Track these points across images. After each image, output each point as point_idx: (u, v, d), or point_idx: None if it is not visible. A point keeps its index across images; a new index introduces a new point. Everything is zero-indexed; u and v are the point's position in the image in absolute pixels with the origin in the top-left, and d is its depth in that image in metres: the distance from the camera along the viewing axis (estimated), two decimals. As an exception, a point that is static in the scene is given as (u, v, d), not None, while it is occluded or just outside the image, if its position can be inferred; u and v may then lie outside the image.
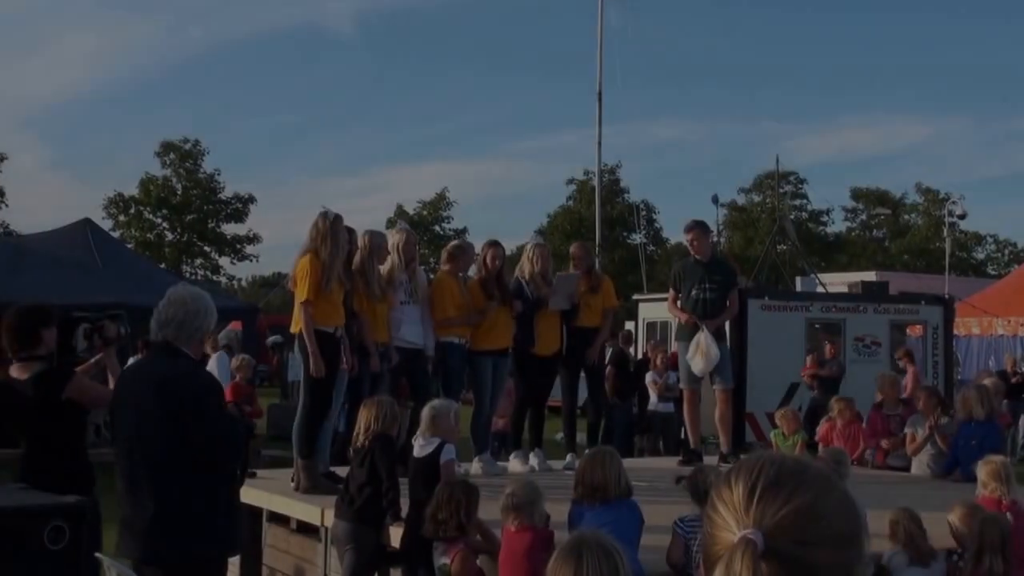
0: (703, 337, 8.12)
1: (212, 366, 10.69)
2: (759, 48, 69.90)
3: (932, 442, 8.24)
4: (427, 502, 4.95)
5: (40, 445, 4.64)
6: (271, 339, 23.88)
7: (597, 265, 8.83)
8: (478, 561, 4.95)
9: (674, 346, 14.63)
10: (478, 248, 8.45)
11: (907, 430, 8.51)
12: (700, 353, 8.13)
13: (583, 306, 8.20)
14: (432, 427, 5.52)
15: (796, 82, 74.08)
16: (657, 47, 65.44)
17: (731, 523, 1.31)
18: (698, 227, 8.47)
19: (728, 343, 8.82)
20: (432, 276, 8.39)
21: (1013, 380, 15.23)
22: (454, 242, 8.90)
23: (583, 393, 8.71)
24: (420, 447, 5.51)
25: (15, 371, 4.69)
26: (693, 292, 8.29)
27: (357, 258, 7.19)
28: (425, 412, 5.62)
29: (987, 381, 8.87)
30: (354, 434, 5.67)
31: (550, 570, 2.38)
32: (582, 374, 8.49)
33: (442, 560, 4.83)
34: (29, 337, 4.67)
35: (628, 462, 8.74)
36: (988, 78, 74.72)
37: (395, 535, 5.48)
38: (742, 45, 69.68)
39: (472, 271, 8.15)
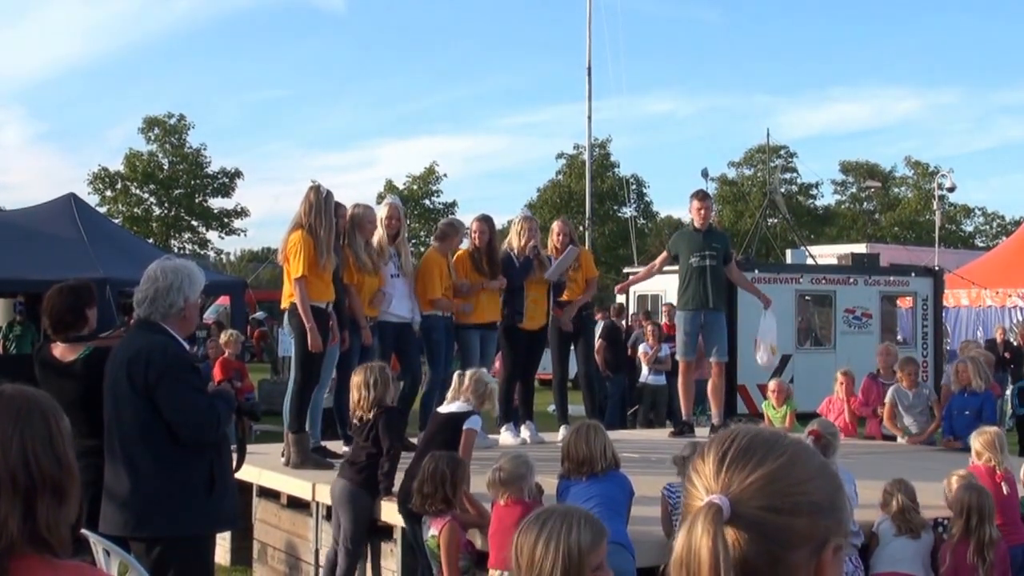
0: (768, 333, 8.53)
1: None
2: (750, 22, 69.60)
3: (917, 411, 8.22)
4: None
5: (90, 428, 4.56)
6: (256, 314, 23.86)
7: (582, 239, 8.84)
8: (468, 535, 4.92)
9: (664, 318, 14.68)
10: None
11: (887, 400, 8.49)
12: (766, 348, 8.52)
13: (568, 281, 8.19)
14: (472, 393, 5.50)
15: (787, 56, 73.97)
16: (647, 21, 65.06)
17: (702, 491, 1.28)
18: (710, 197, 8.74)
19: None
20: (422, 250, 8.33)
21: (1003, 352, 15.27)
22: (446, 220, 8.84)
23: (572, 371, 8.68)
24: (447, 405, 5.49)
25: (61, 351, 4.52)
26: (693, 260, 8.27)
27: (345, 232, 7.12)
28: (471, 375, 5.61)
29: (975, 352, 8.85)
30: (352, 406, 5.58)
31: (515, 541, 2.35)
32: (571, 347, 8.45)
33: (430, 533, 4.80)
34: (77, 317, 4.58)
35: (620, 434, 8.81)
36: (977, 51, 74.69)
37: (386, 509, 5.46)
38: (733, 18, 69.35)
39: (464, 245, 8.11)
